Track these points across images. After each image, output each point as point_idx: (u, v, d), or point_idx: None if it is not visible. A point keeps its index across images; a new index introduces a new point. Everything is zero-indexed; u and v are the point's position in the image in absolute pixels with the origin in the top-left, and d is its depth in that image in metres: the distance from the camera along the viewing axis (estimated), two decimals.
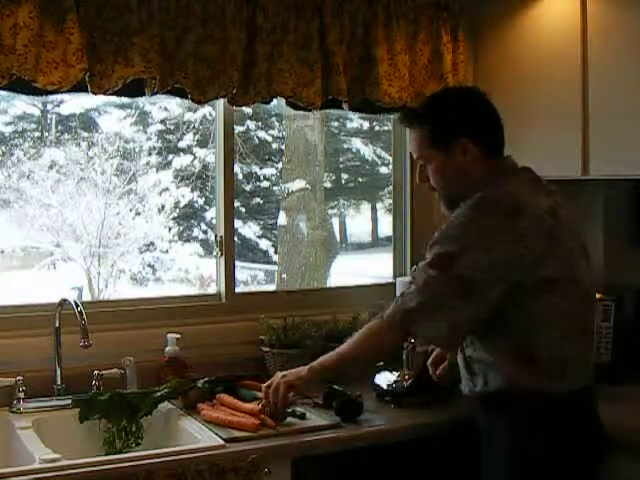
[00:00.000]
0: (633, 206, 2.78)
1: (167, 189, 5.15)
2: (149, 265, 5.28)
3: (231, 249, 2.72)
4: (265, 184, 5.33)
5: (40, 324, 2.34)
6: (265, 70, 2.49)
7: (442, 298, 1.87)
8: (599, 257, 2.70)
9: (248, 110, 4.46)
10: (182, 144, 5.23)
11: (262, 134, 5.40)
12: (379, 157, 5.64)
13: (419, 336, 1.97)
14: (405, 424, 2.19)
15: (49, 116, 5.00)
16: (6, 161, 4.62)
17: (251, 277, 5.44)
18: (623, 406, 2.19)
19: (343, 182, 5.97)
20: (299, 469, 2.01)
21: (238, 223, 4.93)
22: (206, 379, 2.33)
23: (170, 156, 5.22)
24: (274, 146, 5.47)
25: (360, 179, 6.03)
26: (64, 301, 2.28)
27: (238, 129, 4.29)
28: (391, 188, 3.14)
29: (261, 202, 5.53)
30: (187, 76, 2.37)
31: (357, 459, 2.09)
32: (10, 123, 4.89)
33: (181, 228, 5.34)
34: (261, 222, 5.48)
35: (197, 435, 2.04)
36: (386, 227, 5.09)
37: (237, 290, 2.75)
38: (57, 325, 2.31)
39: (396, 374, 2.38)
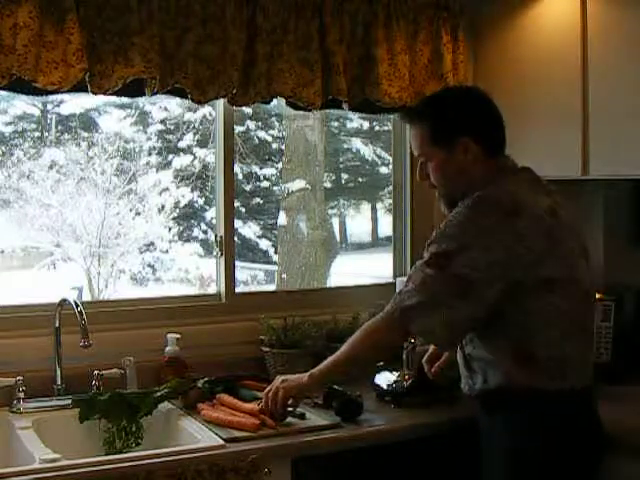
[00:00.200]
0: (633, 206, 2.78)
1: (167, 189, 5.14)
2: (149, 265, 5.27)
3: (231, 249, 2.72)
4: (265, 184, 5.32)
5: (40, 324, 2.34)
6: (265, 70, 2.49)
7: (439, 297, 1.87)
8: (599, 257, 2.70)
9: (248, 110, 4.45)
10: (182, 144, 5.22)
11: (262, 134, 5.39)
12: (379, 157, 5.62)
13: (417, 334, 1.97)
14: (405, 424, 2.19)
15: (49, 116, 4.99)
16: (6, 161, 4.61)
17: (251, 277, 5.43)
18: (623, 406, 2.19)
19: (343, 182, 5.96)
20: (299, 469, 2.01)
21: (238, 223, 4.92)
22: (206, 379, 2.33)
23: (170, 156, 5.21)
24: (274, 146, 5.46)
25: (360, 179, 6.02)
26: (64, 301, 2.28)
27: (238, 129, 4.28)
28: (391, 188, 3.14)
29: (261, 202, 5.52)
30: (187, 76, 2.37)
31: (357, 459, 2.09)
32: (10, 123, 4.88)
33: (181, 228, 5.33)
34: (261, 222, 5.47)
35: (197, 435, 2.04)
36: (386, 227, 5.08)
37: (237, 290, 2.75)
38: (57, 325, 2.31)
39: (396, 374, 2.38)
